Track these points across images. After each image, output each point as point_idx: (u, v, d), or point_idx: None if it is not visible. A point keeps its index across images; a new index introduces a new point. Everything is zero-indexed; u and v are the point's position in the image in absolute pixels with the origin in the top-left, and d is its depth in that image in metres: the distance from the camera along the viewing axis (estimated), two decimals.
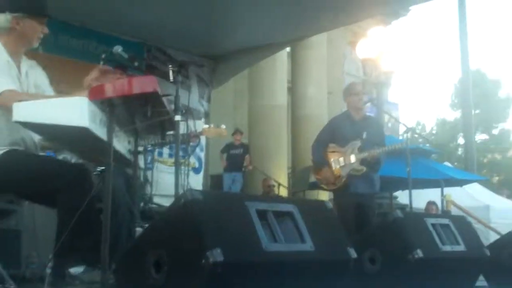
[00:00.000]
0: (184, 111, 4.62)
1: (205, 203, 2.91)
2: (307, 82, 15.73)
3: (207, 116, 10.87)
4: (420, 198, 10.99)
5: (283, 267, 3.07)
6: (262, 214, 3.13)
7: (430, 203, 12.00)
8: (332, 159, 6.24)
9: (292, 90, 16.02)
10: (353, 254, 3.42)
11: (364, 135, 6.27)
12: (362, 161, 6.17)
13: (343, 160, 6.19)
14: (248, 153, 13.31)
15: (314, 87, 15.75)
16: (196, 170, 10.58)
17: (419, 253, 4.12)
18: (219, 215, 2.94)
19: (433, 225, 4.53)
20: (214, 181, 13.10)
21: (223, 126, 6.40)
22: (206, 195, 2.96)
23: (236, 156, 13.18)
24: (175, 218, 2.97)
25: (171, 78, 4.51)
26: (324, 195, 13.13)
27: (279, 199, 3.94)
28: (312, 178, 11.28)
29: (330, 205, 3.60)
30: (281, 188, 12.97)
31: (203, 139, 8.94)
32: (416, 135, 12.75)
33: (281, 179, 13.45)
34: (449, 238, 4.57)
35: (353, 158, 6.17)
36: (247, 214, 3.05)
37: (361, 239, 4.40)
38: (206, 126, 6.40)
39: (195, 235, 2.81)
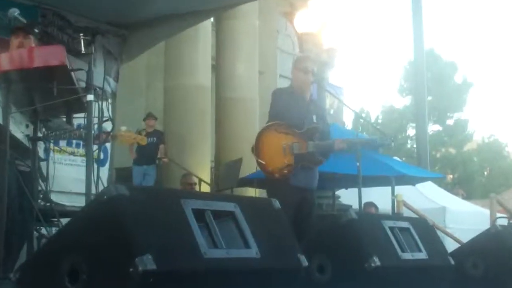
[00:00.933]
0: (97, 90, 4.58)
1: (132, 200, 2.92)
2: (235, 59, 15.77)
3: (114, 97, 10.76)
4: (363, 198, 11.16)
5: (224, 276, 3.11)
6: (199, 214, 3.16)
7: (368, 205, 12.16)
8: (283, 143, 6.00)
9: (217, 68, 16.03)
10: (304, 262, 3.50)
11: (314, 119, 6.23)
12: (321, 152, 6.07)
13: (298, 147, 6.01)
14: (163, 142, 13.25)
15: (243, 65, 15.82)
16: (101, 162, 10.46)
17: (376, 261, 4.23)
18: (149, 215, 2.95)
19: (392, 228, 4.66)
20: (121, 176, 12.99)
21: (144, 133, 6.27)
22: (133, 190, 2.97)
23: (149, 146, 13.08)
24: (96, 217, 2.96)
25: (83, 49, 4.45)
26: (252, 194, 13.23)
27: (218, 196, 3.98)
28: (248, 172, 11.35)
29: (278, 204, 3.65)
30: (203, 185, 12.99)
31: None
32: (361, 121, 12.98)
33: (203, 175, 13.47)
34: (410, 244, 4.72)
35: (311, 146, 6.02)
36: (183, 214, 3.08)
37: (308, 243, 4.47)
38: (124, 128, 6.27)
39: (121, 239, 2.82)
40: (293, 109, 6.11)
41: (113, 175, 11.57)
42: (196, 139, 14.22)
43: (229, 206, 3.38)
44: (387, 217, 5.37)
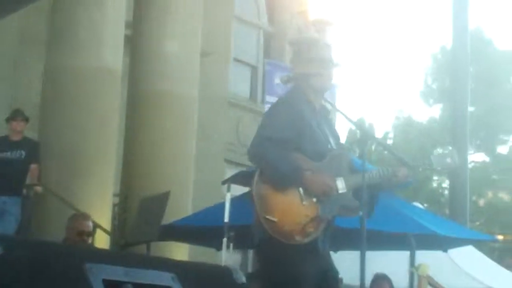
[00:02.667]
0: None
1: (8, 262, 2.90)
2: (164, 31, 15.83)
3: None
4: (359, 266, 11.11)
5: None
6: None
7: (380, 279, 12.24)
8: (300, 187, 6.09)
9: (134, 42, 16.08)
10: None
11: (332, 142, 6.42)
12: (356, 190, 6.26)
13: None
14: (36, 160, 13.21)
15: (177, 40, 15.87)
16: None
17: None
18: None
19: None
20: None
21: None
22: (9, 245, 2.94)
23: (12, 165, 13.04)
24: None
25: None
26: (184, 252, 13.25)
27: (147, 260, 3.94)
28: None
29: (242, 275, 3.67)
30: (99, 234, 12.94)
31: None
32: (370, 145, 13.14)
33: (99, 217, 13.42)
34: None
35: (341, 185, 6.20)
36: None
37: None
38: None
39: None
40: (308, 130, 6.25)
41: None
42: (92, 157, 14.15)
43: (164, 278, 3.38)
44: None
